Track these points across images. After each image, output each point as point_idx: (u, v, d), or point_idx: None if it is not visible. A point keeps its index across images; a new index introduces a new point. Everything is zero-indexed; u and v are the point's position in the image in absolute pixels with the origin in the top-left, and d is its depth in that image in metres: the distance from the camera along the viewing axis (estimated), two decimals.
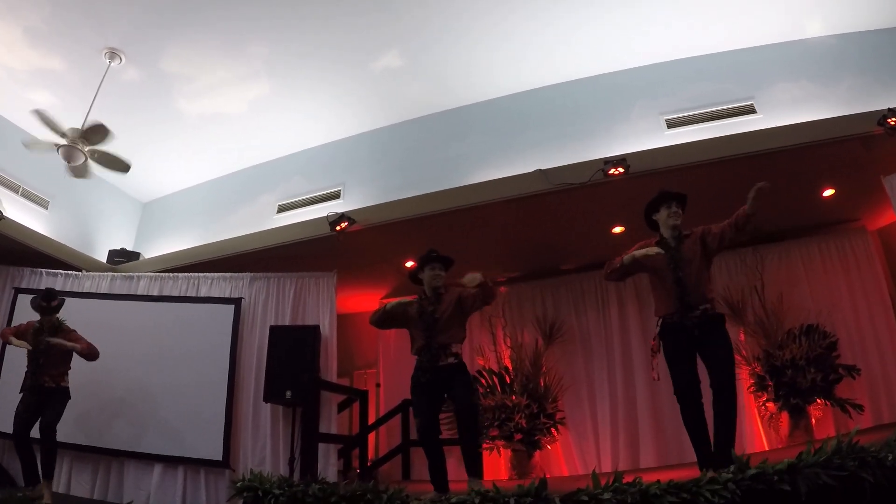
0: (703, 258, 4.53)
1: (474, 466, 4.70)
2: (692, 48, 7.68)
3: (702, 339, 4.37)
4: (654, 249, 4.57)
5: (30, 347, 6.01)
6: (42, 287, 7.76)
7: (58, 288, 7.79)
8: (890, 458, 3.44)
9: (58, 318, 6.23)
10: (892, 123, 6.11)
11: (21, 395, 6.02)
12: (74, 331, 6.25)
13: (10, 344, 6.13)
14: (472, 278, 4.84)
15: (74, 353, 6.13)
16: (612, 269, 4.79)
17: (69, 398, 6.10)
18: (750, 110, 7.27)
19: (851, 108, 6.64)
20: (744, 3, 7.08)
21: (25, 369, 6.07)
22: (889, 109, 6.16)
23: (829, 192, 7.53)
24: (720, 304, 4.57)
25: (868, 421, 7.40)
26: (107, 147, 6.86)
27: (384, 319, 5.22)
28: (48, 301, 6.22)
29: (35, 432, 5.90)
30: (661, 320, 4.57)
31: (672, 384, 4.47)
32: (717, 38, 7.54)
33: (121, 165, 7.04)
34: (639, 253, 4.60)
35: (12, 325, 6.79)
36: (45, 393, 5.94)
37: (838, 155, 6.63)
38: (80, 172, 7.05)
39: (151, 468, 6.98)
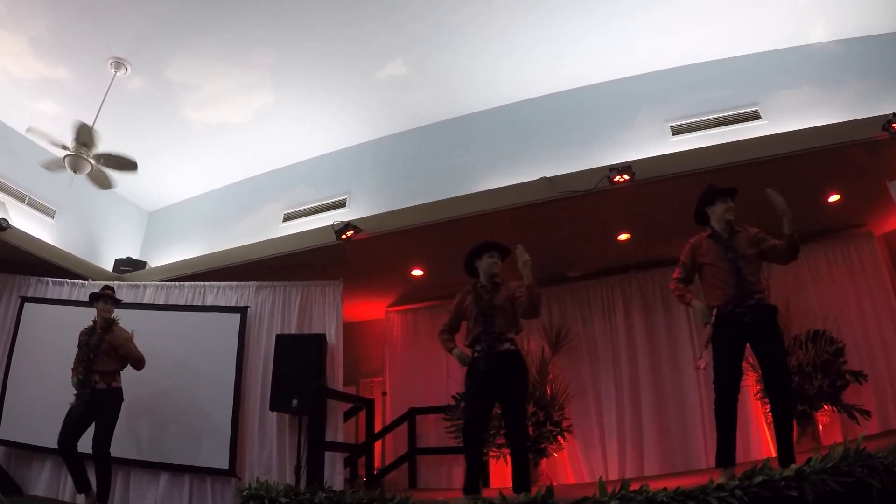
0: (756, 256, 4.60)
1: (522, 480, 4.57)
2: (696, 55, 7.69)
3: (754, 330, 4.41)
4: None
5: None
6: (48, 296, 7.82)
7: (64, 297, 7.85)
8: None
9: (112, 318, 6.18)
10: None
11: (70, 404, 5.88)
12: (126, 331, 6.19)
13: None
14: (524, 262, 4.72)
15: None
16: (677, 280, 4.84)
17: (122, 400, 6.00)
18: (755, 116, 7.27)
19: (856, 114, 6.61)
20: (747, 10, 7.08)
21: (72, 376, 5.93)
22: (894, 114, 6.13)
23: (834, 198, 7.52)
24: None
25: (875, 427, 7.36)
26: (108, 149, 6.89)
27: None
28: (112, 292, 6.28)
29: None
30: (716, 310, 4.57)
31: (714, 374, 4.51)
32: (722, 44, 7.54)
33: (128, 164, 7.06)
34: (684, 255, 4.77)
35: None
36: (95, 397, 5.80)
37: (843, 160, 6.61)
38: (101, 182, 7.12)
39: (157, 477, 6.99)
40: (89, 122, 6.80)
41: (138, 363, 6.12)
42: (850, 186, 7.26)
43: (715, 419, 4.52)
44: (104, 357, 5.92)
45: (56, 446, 5.85)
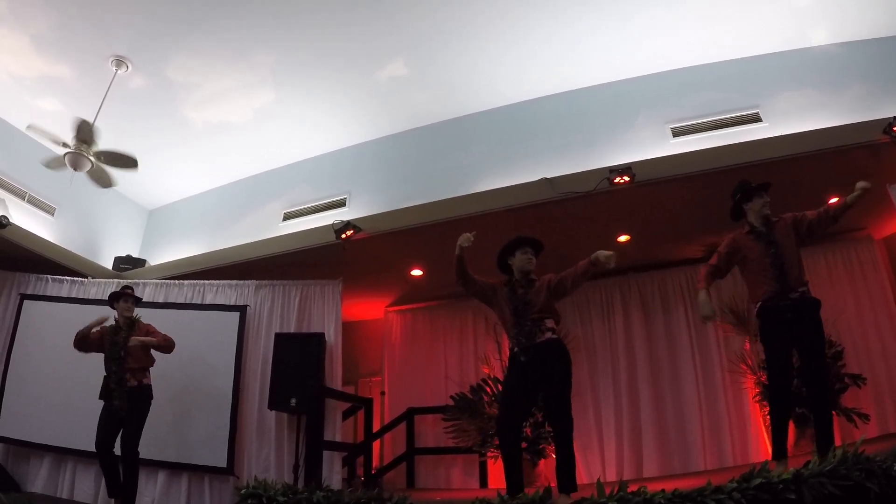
0: (796, 244, 4.64)
1: (568, 479, 4.44)
2: (697, 57, 7.68)
3: (796, 323, 4.42)
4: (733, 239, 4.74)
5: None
6: (48, 293, 7.82)
7: (63, 294, 7.85)
8: None
9: (134, 316, 6.16)
10: None
11: (102, 404, 5.83)
12: (149, 325, 6.18)
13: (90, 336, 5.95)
14: (609, 256, 4.74)
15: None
16: (706, 273, 4.86)
17: (152, 398, 5.99)
18: (755, 119, 7.26)
19: (857, 117, 6.63)
20: (748, 12, 7.08)
21: (105, 375, 5.87)
22: (894, 117, 6.13)
23: (834, 201, 7.47)
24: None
25: (874, 430, 7.37)
26: (109, 146, 6.90)
27: (469, 281, 4.87)
28: (132, 291, 6.27)
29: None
30: (759, 304, 4.61)
31: (767, 369, 4.59)
32: (722, 46, 7.54)
33: (128, 162, 7.04)
34: (723, 248, 4.79)
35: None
36: (128, 395, 5.76)
37: (844, 163, 6.60)
38: (101, 180, 7.12)
39: (156, 475, 6.98)
40: (89, 119, 6.80)
41: (170, 345, 6.09)
42: (851, 189, 7.22)
43: (769, 412, 4.57)
44: (135, 356, 5.91)
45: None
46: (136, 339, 5.89)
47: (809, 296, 4.53)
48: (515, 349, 4.64)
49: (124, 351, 5.84)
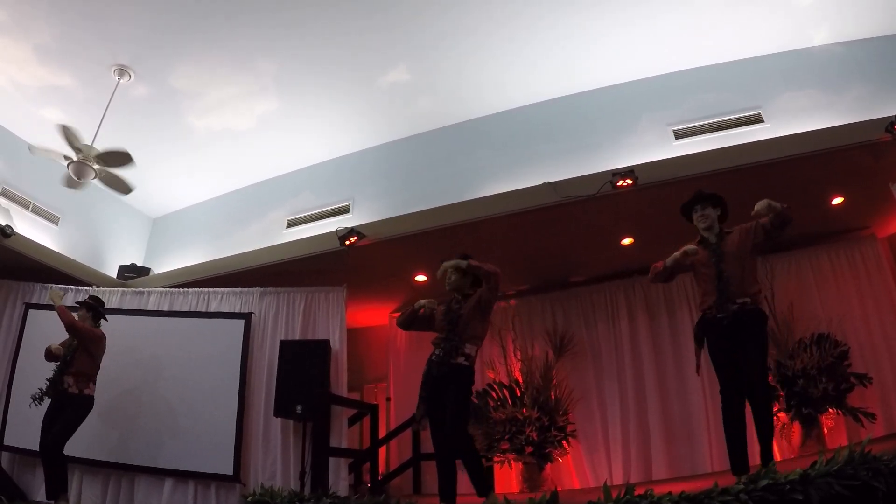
0: (749, 253, 4.61)
1: (480, 482, 4.64)
2: (698, 59, 7.69)
3: (736, 334, 4.44)
4: (692, 248, 4.68)
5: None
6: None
7: (67, 303, 7.84)
8: None
9: (95, 325, 6.29)
10: None
11: (92, 412, 6.01)
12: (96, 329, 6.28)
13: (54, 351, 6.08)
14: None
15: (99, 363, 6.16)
16: (656, 272, 4.91)
17: (90, 408, 6.02)
18: (757, 120, 7.26)
19: (859, 116, 6.63)
20: (749, 13, 7.09)
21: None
22: None
23: (837, 201, 7.51)
24: (763, 302, 4.64)
25: (880, 430, 7.35)
26: (119, 170, 6.94)
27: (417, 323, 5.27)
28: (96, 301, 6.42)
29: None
30: (701, 315, 4.68)
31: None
32: (724, 48, 7.55)
33: (123, 158, 7.00)
34: (677, 253, 4.70)
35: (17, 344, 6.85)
36: (65, 399, 5.87)
37: (846, 163, 6.61)
38: (118, 186, 7.15)
39: (162, 483, 6.99)
40: (92, 129, 6.83)
41: (82, 332, 6.11)
42: (854, 189, 7.25)
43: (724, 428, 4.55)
44: (79, 362, 6.02)
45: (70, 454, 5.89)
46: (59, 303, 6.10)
47: (752, 306, 4.49)
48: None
49: (70, 356, 5.96)
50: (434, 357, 4.95)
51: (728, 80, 7.60)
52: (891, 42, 7.29)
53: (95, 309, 6.40)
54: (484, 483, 4.67)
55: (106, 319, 6.50)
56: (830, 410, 7.30)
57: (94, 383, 6.11)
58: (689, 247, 4.68)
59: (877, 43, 7.34)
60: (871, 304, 8.15)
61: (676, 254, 4.69)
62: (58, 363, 6.03)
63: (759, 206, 4.48)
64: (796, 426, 7.32)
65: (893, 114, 6.15)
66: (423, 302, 5.12)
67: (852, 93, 7.09)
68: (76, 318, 6.16)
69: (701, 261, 4.69)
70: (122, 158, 7.00)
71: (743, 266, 4.57)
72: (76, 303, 6.53)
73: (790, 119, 7.05)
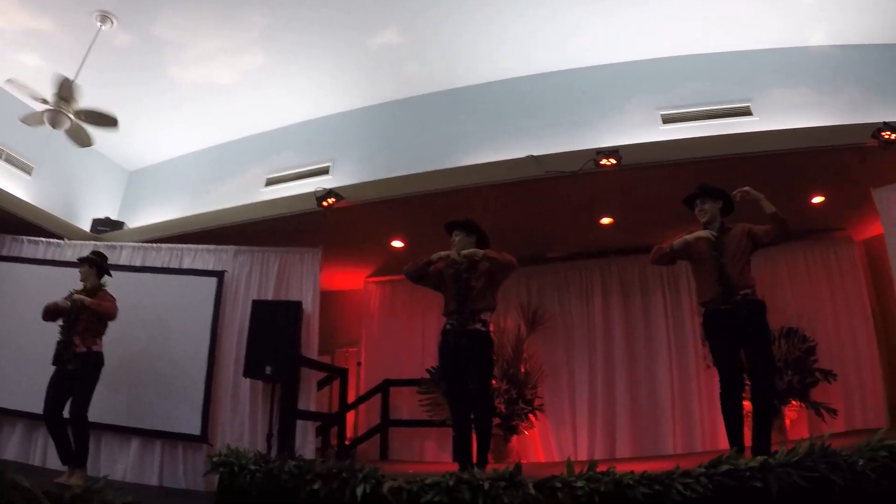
0: (749, 251, 4.71)
1: (481, 455, 4.75)
2: (693, 46, 7.68)
3: (741, 326, 4.51)
4: (705, 232, 4.74)
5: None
6: (24, 255, 7.66)
7: (39, 256, 7.70)
8: (861, 462, 3.49)
9: (99, 283, 6.11)
10: (887, 137, 6.17)
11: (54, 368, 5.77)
12: (110, 296, 6.06)
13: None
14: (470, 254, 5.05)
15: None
16: (661, 253, 4.94)
17: (102, 364, 5.88)
18: (746, 112, 7.30)
19: (847, 119, 6.71)
20: (748, 6, 7.09)
21: (58, 340, 5.79)
22: (885, 123, 6.20)
23: (818, 199, 7.58)
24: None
25: (841, 425, 7.53)
26: (89, 104, 6.75)
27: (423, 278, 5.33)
28: (96, 257, 6.20)
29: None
30: (703, 308, 4.75)
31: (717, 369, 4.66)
32: (719, 38, 7.55)
33: (108, 121, 6.87)
34: (690, 236, 4.76)
35: None
36: (75, 360, 5.67)
37: (831, 164, 6.69)
38: (80, 139, 6.98)
39: (129, 442, 6.90)
40: (71, 76, 6.65)
41: (106, 310, 5.91)
42: (835, 190, 7.33)
43: (722, 415, 4.65)
44: (86, 320, 5.80)
45: (32, 410, 5.77)
46: (78, 298, 5.82)
47: (753, 297, 4.60)
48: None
49: (75, 314, 5.77)
50: (449, 327, 5.02)
51: (720, 71, 7.61)
52: (887, 50, 7.36)
53: (100, 265, 6.21)
54: (485, 456, 4.82)
55: (111, 275, 6.33)
56: (794, 403, 7.46)
57: (101, 339, 5.95)
58: (704, 232, 4.74)
59: (873, 49, 7.40)
60: (841, 304, 8.31)
61: (689, 237, 4.76)
62: (62, 324, 5.82)
63: (757, 196, 4.64)
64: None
65: (882, 120, 6.23)
66: (442, 254, 5.13)
67: (844, 95, 7.16)
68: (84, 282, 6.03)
69: (701, 253, 4.75)
70: (107, 121, 6.88)
71: (741, 260, 4.65)
72: (78, 259, 6.25)
73: (779, 115, 7.08)
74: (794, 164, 6.62)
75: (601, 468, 3.71)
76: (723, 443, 4.96)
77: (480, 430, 4.86)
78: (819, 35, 7.44)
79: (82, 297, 5.85)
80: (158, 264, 7.75)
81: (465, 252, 5.06)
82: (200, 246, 7.79)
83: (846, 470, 3.47)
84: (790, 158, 6.53)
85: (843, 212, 7.99)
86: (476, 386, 4.88)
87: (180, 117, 8.91)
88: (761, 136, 6.58)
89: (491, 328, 5.12)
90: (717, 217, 4.82)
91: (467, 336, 4.88)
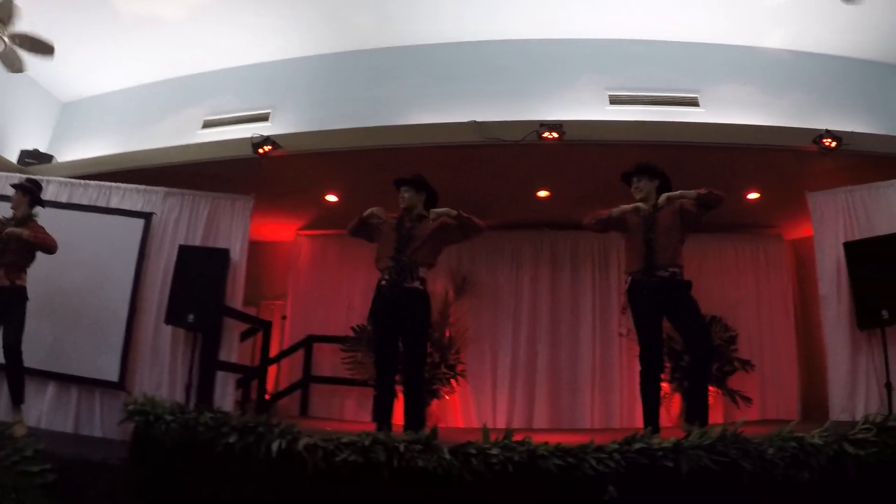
0: (679, 229, 4.77)
1: (413, 417, 4.68)
2: (649, 32, 7.70)
3: (667, 304, 4.59)
4: (644, 206, 4.81)
5: None
6: None
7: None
8: (771, 451, 3.59)
9: (30, 212, 5.81)
10: (827, 144, 6.41)
11: None
12: (42, 228, 5.77)
13: None
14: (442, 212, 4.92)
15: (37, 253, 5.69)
16: (597, 218, 4.98)
17: (27, 300, 5.63)
18: (693, 103, 7.39)
19: (792, 122, 6.90)
20: (709, 1, 7.16)
21: None
22: (827, 130, 6.43)
23: (753, 196, 7.78)
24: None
25: (755, 414, 7.85)
26: (26, 29, 6.42)
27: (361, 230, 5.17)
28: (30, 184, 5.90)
29: None
30: (629, 278, 4.79)
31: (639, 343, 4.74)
32: (676, 27, 7.59)
33: (45, 48, 6.58)
34: (628, 206, 4.82)
35: None
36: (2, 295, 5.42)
37: (770, 163, 6.92)
38: (12, 64, 6.66)
39: (45, 387, 6.63)
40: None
41: (45, 243, 5.69)
42: (771, 189, 7.55)
43: (640, 392, 4.72)
44: (12, 253, 5.54)
45: None
46: (16, 230, 5.53)
47: (680, 277, 4.67)
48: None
49: (3, 244, 5.48)
50: (383, 282, 4.84)
51: (673, 59, 7.67)
52: (838, 61, 7.60)
53: (33, 193, 5.91)
54: (421, 419, 4.75)
55: (43, 206, 6.04)
56: (711, 389, 7.62)
57: (26, 273, 5.69)
58: (641, 205, 4.80)
59: (825, 59, 7.63)
60: (765, 299, 8.62)
61: (626, 207, 4.82)
62: None
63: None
64: (677, 398, 7.65)
65: (825, 128, 6.46)
66: (374, 210, 5.00)
67: (791, 99, 7.34)
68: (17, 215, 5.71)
69: (633, 225, 4.81)
70: (43, 48, 6.56)
71: (671, 239, 4.71)
72: (11, 185, 5.94)
73: (725, 110, 7.19)
74: (734, 159, 6.79)
75: (517, 437, 3.73)
76: (638, 422, 5.06)
77: (412, 392, 4.79)
78: (775, 38, 7.58)
79: (21, 230, 5.56)
80: (85, 202, 7.41)
81: (437, 211, 4.94)
82: (130, 185, 7.50)
83: (756, 457, 3.57)
84: (731, 153, 6.70)
85: (777, 211, 8.22)
86: (411, 347, 4.80)
87: (120, 50, 8.48)
88: (706, 128, 6.71)
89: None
90: (653, 196, 4.88)
91: (406, 294, 4.74)
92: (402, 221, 4.97)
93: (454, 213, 4.90)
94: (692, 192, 4.65)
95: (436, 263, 5.06)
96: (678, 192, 4.73)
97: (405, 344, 4.81)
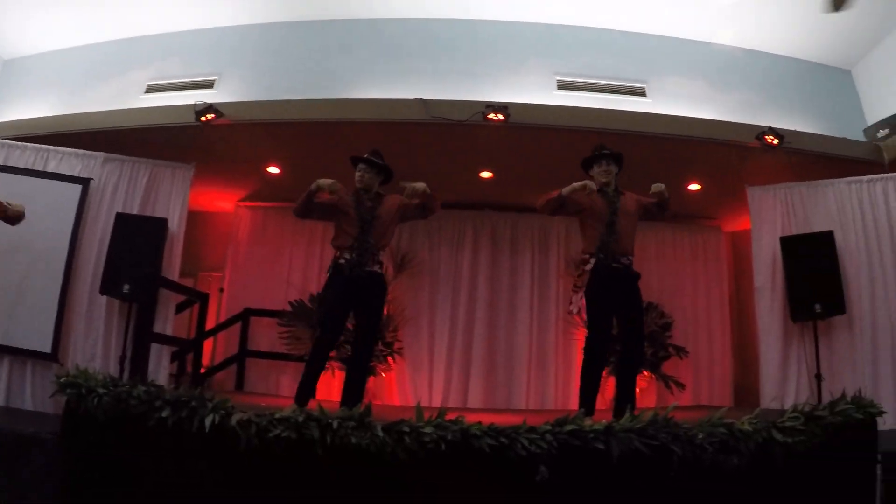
0: (638, 218, 4.93)
1: (354, 396, 4.65)
2: (600, 20, 7.73)
3: (622, 289, 4.70)
4: (592, 184, 4.75)
5: None
6: None
7: None
8: (700, 436, 3.70)
9: None
10: (769, 141, 6.58)
11: None
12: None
13: None
14: (414, 189, 4.79)
15: None
16: (548, 200, 4.87)
17: None
18: (640, 93, 7.47)
19: (736, 118, 7.03)
20: None
21: None
22: (770, 128, 6.59)
23: (694, 187, 7.93)
24: None
25: (687, 399, 8.06)
26: None
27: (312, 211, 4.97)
28: None
29: None
30: (592, 259, 4.76)
31: (587, 325, 4.81)
32: (626, 16, 7.63)
33: None
34: (577, 184, 4.72)
35: None
36: None
37: (712, 156, 7.04)
38: None
39: None
40: None
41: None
42: (712, 182, 7.72)
43: (581, 370, 4.79)
44: None
45: None
46: None
47: (632, 268, 4.81)
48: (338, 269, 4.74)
49: None
50: (344, 261, 4.72)
51: (623, 49, 7.72)
52: (786, 62, 7.78)
53: None
54: (361, 396, 4.72)
55: None
56: (645, 373, 7.82)
57: None
58: (589, 182, 4.76)
59: (774, 58, 7.79)
60: (702, 288, 8.84)
61: (576, 185, 4.73)
62: None
63: (658, 188, 4.87)
64: (611, 381, 7.77)
65: (767, 125, 6.63)
66: (324, 184, 4.74)
67: (736, 95, 7.47)
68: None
69: (596, 209, 4.81)
70: None
71: (633, 225, 4.85)
72: None
73: (672, 101, 7.28)
74: (678, 150, 6.89)
75: (451, 416, 3.76)
76: (573, 404, 5.15)
77: (359, 370, 4.82)
78: (726, 35, 7.69)
79: None
80: (21, 165, 7.16)
81: (414, 186, 4.80)
82: (68, 149, 7.25)
83: (685, 441, 3.67)
84: (675, 144, 6.79)
85: (716, 203, 8.41)
86: (364, 328, 4.81)
87: (64, 8, 8.15)
88: (652, 118, 6.81)
89: None
90: (614, 181, 4.96)
91: (369, 278, 4.72)
92: (360, 200, 4.87)
93: (429, 192, 4.82)
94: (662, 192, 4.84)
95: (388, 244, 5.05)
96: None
97: (359, 324, 4.81)
